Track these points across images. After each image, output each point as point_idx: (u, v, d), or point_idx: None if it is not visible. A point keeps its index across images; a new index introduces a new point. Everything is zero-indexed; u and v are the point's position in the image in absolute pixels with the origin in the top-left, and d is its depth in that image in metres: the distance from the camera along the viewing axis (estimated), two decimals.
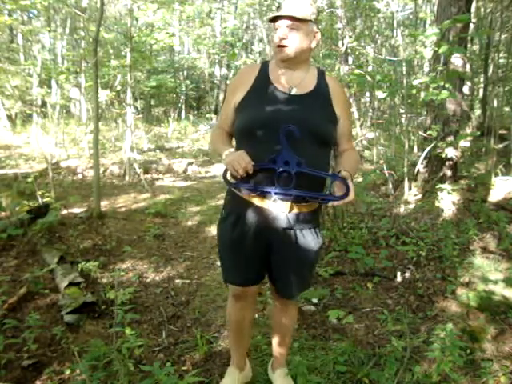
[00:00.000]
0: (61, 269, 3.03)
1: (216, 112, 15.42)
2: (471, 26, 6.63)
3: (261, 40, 16.05)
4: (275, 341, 1.97)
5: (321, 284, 3.06)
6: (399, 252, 3.44)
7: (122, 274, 3.19)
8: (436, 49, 4.07)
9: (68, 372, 2.03)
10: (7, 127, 10.05)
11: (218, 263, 2.00)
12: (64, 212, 4.26)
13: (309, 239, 1.71)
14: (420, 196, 4.75)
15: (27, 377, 2.03)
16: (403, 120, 5.56)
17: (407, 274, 3.11)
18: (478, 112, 9.84)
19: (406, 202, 4.61)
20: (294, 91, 1.67)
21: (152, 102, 15.62)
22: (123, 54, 9.21)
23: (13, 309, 2.58)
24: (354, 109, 9.72)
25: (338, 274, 3.18)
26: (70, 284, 2.80)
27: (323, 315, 2.63)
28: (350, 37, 9.11)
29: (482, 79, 9.33)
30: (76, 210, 4.54)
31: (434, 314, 2.65)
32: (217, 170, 7.79)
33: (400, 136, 6.62)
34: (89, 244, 3.69)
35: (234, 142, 1.79)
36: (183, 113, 15.07)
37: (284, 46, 1.61)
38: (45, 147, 7.21)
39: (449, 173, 4.81)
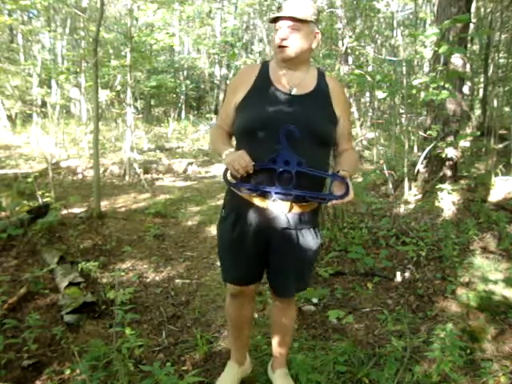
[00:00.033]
0: (61, 269, 3.03)
1: (216, 112, 15.40)
2: (471, 25, 6.63)
3: (261, 40, 16.05)
4: (275, 341, 1.97)
5: (321, 284, 3.06)
6: (399, 252, 3.45)
7: (122, 274, 3.19)
8: (436, 49, 4.07)
9: (68, 372, 2.03)
10: (7, 127, 10.05)
11: (218, 263, 2.00)
12: (64, 212, 4.26)
13: (308, 239, 1.72)
14: (420, 196, 4.75)
15: (27, 377, 2.03)
16: (403, 120, 5.56)
17: (407, 274, 3.11)
18: (478, 112, 9.84)
19: (406, 202, 4.61)
20: (294, 91, 1.67)
21: (152, 102, 15.62)
22: (123, 53, 9.21)
23: (13, 309, 2.58)
24: (354, 109, 9.73)
25: (337, 274, 3.18)
26: (70, 284, 2.80)
27: (323, 315, 2.63)
28: (350, 37, 9.11)
29: (482, 79, 9.33)
30: (76, 210, 4.54)
31: (434, 314, 2.65)
32: (217, 170, 7.79)
33: (400, 136, 6.62)
34: (89, 244, 3.69)
35: (233, 142, 1.80)
36: (183, 113, 15.07)
37: (285, 47, 1.62)
38: (45, 147, 7.21)
39: (449, 173, 4.81)
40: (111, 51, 10.56)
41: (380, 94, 4.12)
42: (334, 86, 1.74)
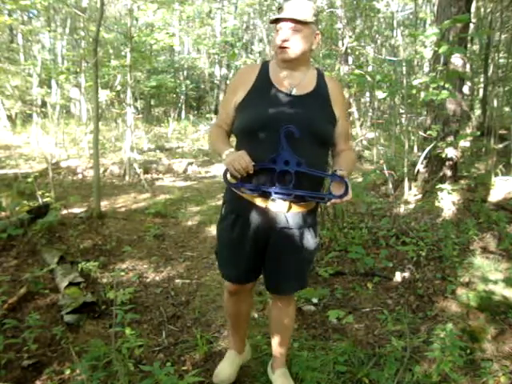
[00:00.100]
0: (61, 269, 3.02)
1: (216, 112, 15.40)
2: (471, 25, 6.63)
3: (261, 40, 16.06)
4: (275, 341, 1.97)
5: (321, 284, 3.06)
6: (399, 252, 3.44)
7: (122, 274, 3.19)
8: (436, 49, 4.07)
9: (68, 372, 2.03)
10: (7, 127, 10.05)
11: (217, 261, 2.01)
12: (64, 212, 4.26)
13: (307, 238, 1.74)
14: (420, 196, 4.75)
15: (27, 377, 2.03)
16: (403, 120, 5.56)
17: (407, 274, 3.11)
18: (478, 112, 9.84)
19: (406, 202, 4.61)
20: (294, 92, 1.68)
21: (152, 102, 15.62)
22: (123, 54, 9.21)
23: (13, 309, 2.58)
24: (354, 109, 9.73)
25: (337, 274, 3.18)
26: (70, 284, 2.80)
27: (323, 315, 2.63)
28: (350, 37, 9.11)
29: (482, 79, 9.33)
30: (76, 210, 4.54)
31: (434, 314, 2.65)
32: (217, 170, 7.79)
33: (400, 136, 6.62)
34: (89, 244, 3.69)
35: (232, 141, 1.80)
36: (183, 113, 15.07)
37: (286, 48, 1.63)
38: (45, 147, 7.21)
39: (449, 173, 4.81)
40: (111, 51, 10.56)
41: (380, 94, 4.12)
42: (333, 86, 1.75)
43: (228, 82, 15.80)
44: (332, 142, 1.74)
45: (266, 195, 1.64)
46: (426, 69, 11.12)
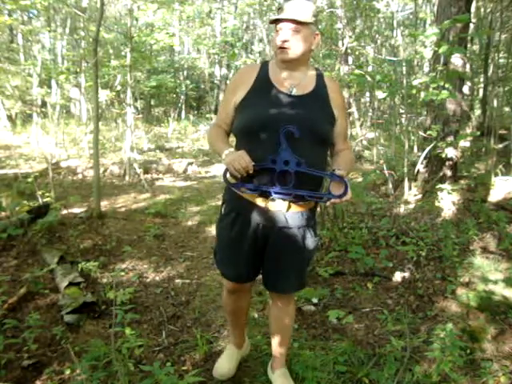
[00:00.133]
0: (61, 269, 3.02)
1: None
2: (471, 25, 6.63)
3: (261, 40, 16.05)
4: (275, 341, 1.98)
5: (321, 284, 3.06)
6: (399, 252, 3.44)
7: (122, 274, 3.19)
8: (436, 49, 4.07)
9: (68, 372, 2.03)
10: (7, 127, 10.05)
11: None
12: (64, 212, 4.26)
13: (306, 237, 1.75)
14: (420, 196, 4.75)
15: (27, 377, 2.03)
16: (403, 120, 5.56)
17: (407, 274, 3.11)
18: (478, 112, 9.84)
19: (406, 202, 4.61)
20: (294, 92, 1.69)
21: (152, 102, 15.62)
22: (123, 54, 9.21)
23: (13, 309, 2.58)
24: (354, 109, 9.73)
25: (337, 274, 3.18)
26: (70, 284, 2.80)
27: (323, 315, 2.63)
28: (350, 37, 9.11)
29: (482, 79, 9.33)
30: (76, 210, 4.54)
31: (434, 314, 2.65)
32: (217, 170, 7.79)
33: (400, 136, 6.62)
34: (89, 244, 3.69)
35: (232, 141, 1.81)
36: (183, 113, 15.07)
37: (286, 48, 1.64)
38: (45, 147, 7.22)
39: (449, 173, 4.81)
40: (111, 51, 10.57)
41: (380, 94, 4.12)
42: (332, 86, 1.76)
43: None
44: (331, 141, 1.75)
45: (265, 195, 1.65)
46: (426, 69, 11.12)
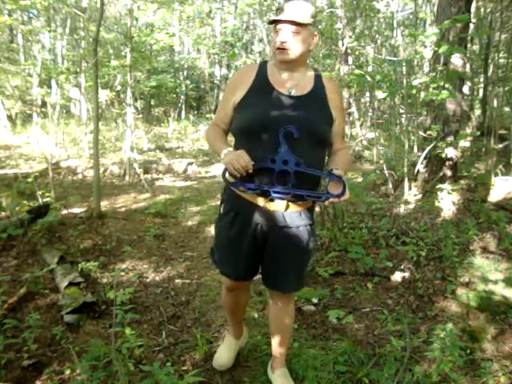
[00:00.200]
0: (61, 269, 3.02)
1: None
2: (471, 25, 6.63)
3: (261, 40, 16.06)
4: (275, 341, 1.98)
5: (321, 284, 3.06)
6: (399, 252, 3.44)
7: (122, 274, 3.19)
8: (436, 49, 4.07)
9: (68, 372, 2.03)
10: (7, 127, 10.05)
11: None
12: (64, 212, 4.26)
13: (305, 236, 1.76)
14: (420, 196, 4.75)
15: (27, 377, 2.03)
16: (403, 120, 5.56)
17: (407, 274, 3.11)
18: (478, 112, 9.84)
19: (406, 202, 4.61)
20: (292, 92, 1.70)
21: (152, 102, 15.62)
22: (123, 54, 9.21)
23: (13, 309, 2.58)
24: (354, 109, 9.73)
25: (337, 274, 3.18)
26: (70, 284, 2.80)
27: (323, 315, 2.63)
28: (350, 37, 9.11)
29: (482, 79, 9.33)
30: (76, 210, 4.54)
31: (433, 314, 2.65)
32: (217, 169, 7.79)
33: (400, 136, 6.62)
34: (89, 244, 3.69)
35: (231, 141, 1.81)
36: (183, 113, 15.07)
37: (285, 49, 1.65)
38: (45, 147, 7.22)
39: (449, 173, 4.81)
40: (111, 51, 10.57)
41: (380, 94, 4.12)
42: (330, 87, 1.77)
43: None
44: (329, 142, 1.77)
45: (264, 194, 1.66)
46: (426, 69, 11.12)
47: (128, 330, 2.04)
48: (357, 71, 4.56)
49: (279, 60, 1.70)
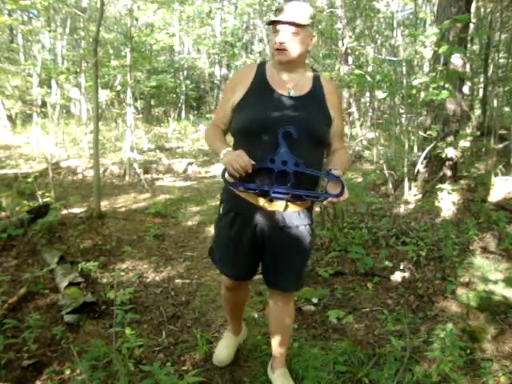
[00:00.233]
0: (61, 269, 3.02)
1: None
2: (471, 25, 6.63)
3: (261, 40, 16.05)
4: (275, 341, 1.98)
5: (321, 284, 3.06)
6: (399, 252, 3.44)
7: (122, 274, 3.19)
8: (436, 49, 4.07)
9: (68, 372, 2.03)
10: (7, 127, 10.05)
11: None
12: (64, 212, 4.26)
13: (304, 236, 1.77)
14: (420, 196, 4.75)
15: (27, 377, 2.03)
16: (403, 120, 5.56)
17: (407, 274, 3.11)
18: (478, 112, 9.83)
19: (406, 202, 4.61)
20: (291, 93, 1.71)
21: (152, 102, 15.62)
22: (123, 54, 9.21)
23: (13, 309, 2.58)
24: (354, 109, 9.73)
25: (337, 274, 3.18)
26: (70, 284, 2.80)
27: (323, 315, 2.63)
28: (350, 37, 9.11)
29: (482, 79, 9.33)
30: (76, 210, 4.54)
31: (434, 314, 2.65)
32: (217, 169, 7.79)
33: (400, 136, 6.62)
34: (89, 244, 3.69)
35: (230, 141, 1.82)
36: (183, 113, 15.07)
37: (284, 50, 1.66)
38: (45, 147, 7.22)
39: (449, 173, 4.81)
40: (111, 51, 10.56)
41: (380, 94, 4.12)
42: (328, 87, 1.79)
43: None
44: (327, 142, 1.78)
45: (263, 195, 1.67)
46: (426, 69, 11.11)
47: (128, 330, 2.04)
48: (357, 71, 4.56)
49: (278, 61, 1.70)
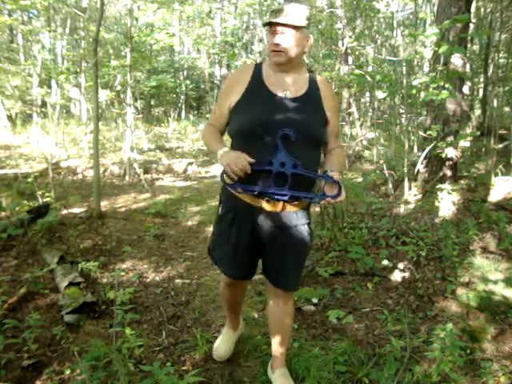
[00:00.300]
0: (61, 269, 3.02)
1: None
2: (471, 25, 6.63)
3: (261, 40, 16.04)
4: (275, 340, 1.99)
5: (321, 284, 3.06)
6: (399, 252, 3.44)
7: (122, 274, 3.19)
8: (436, 49, 4.07)
9: (68, 372, 2.03)
10: (7, 127, 10.05)
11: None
12: (64, 212, 4.25)
13: (302, 235, 1.79)
14: (420, 196, 4.75)
15: (27, 377, 2.03)
16: (403, 120, 5.56)
17: (407, 274, 3.11)
18: (478, 112, 9.83)
19: (406, 202, 4.61)
20: (287, 94, 1.72)
21: (152, 102, 15.61)
22: (123, 54, 9.21)
23: (13, 309, 2.58)
24: (354, 109, 9.72)
25: (337, 274, 3.18)
26: (70, 284, 2.80)
27: (323, 315, 2.63)
28: (350, 37, 9.11)
29: (482, 79, 9.32)
30: (76, 210, 4.54)
31: (434, 314, 2.65)
32: (217, 169, 7.79)
33: (400, 136, 6.62)
34: (89, 244, 3.69)
35: (227, 140, 1.83)
36: (183, 113, 15.07)
37: (280, 51, 1.67)
38: (45, 147, 7.22)
39: (449, 173, 4.80)
40: (111, 51, 10.56)
41: (380, 94, 4.12)
42: (324, 88, 1.80)
43: None
44: (324, 141, 1.80)
45: (262, 196, 1.68)
46: (426, 69, 11.11)
47: (128, 330, 2.04)
48: (357, 71, 4.56)
49: (274, 62, 1.71)
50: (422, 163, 4.92)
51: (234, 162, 1.58)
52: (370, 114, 11.71)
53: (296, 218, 1.76)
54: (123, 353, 1.97)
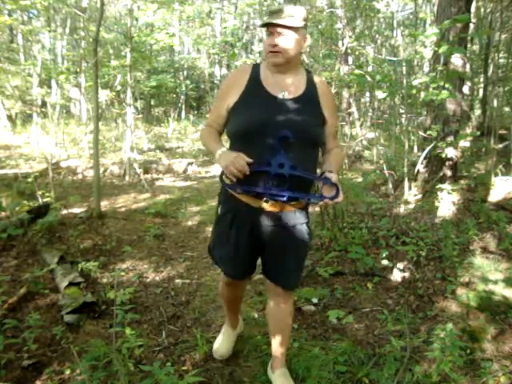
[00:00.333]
0: (61, 269, 3.02)
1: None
2: (471, 25, 6.63)
3: (261, 40, 16.02)
4: (275, 340, 1.99)
5: (321, 284, 3.06)
6: (399, 252, 3.44)
7: (122, 274, 3.19)
8: (436, 49, 4.07)
9: (68, 372, 2.03)
10: (7, 127, 10.05)
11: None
12: (64, 212, 4.26)
13: (301, 234, 1.80)
14: (420, 196, 4.75)
15: (27, 377, 2.03)
16: (403, 120, 5.56)
17: (407, 274, 3.11)
18: (478, 112, 9.83)
19: (406, 202, 4.61)
20: (285, 95, 1.72)
21: (152, 102, 15.62)
22: (123, 54, 9.21)
23: (13, 309, 2.58)
24: (354, 109, 9.72)
25: (337, 274, 3.18)
26: (70, 284, 2.80)
27: (323, 315, 2.62)
28: (350, 37, 9.11)
29: (482, 79, 9.32)
30: (76, 210, 4.54)
31: (434, 314, 2.65)
32: (216, 170, 7.79)
33: (400, 136, 6.62)
34: (89, 244, 3.69)
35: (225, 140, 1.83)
36: (183, 113, 15.07)
37: (277, 52, 1.67)
38: (45, 147, 7.22)
39: (449, 173, 4.80)
40: (111, 51, 10.56)
41: (380, 94, 4.12)
42: (322, 87, 1.80)
43: None
44: (322, 142, 1.80)
45: (260, 196, 1.69)
46: (426, 69, 11.11)
47: (128, 330, 2.04)
48: (357, 71, 4.55)
49: (272, 63, 1.71)
50: (421, 163, 4.92)
51: (233, 162, 1.58)
52: (370, 113, 11.72)
53: (294, 218, 1.77)
54: (123, 353, 1.97)
